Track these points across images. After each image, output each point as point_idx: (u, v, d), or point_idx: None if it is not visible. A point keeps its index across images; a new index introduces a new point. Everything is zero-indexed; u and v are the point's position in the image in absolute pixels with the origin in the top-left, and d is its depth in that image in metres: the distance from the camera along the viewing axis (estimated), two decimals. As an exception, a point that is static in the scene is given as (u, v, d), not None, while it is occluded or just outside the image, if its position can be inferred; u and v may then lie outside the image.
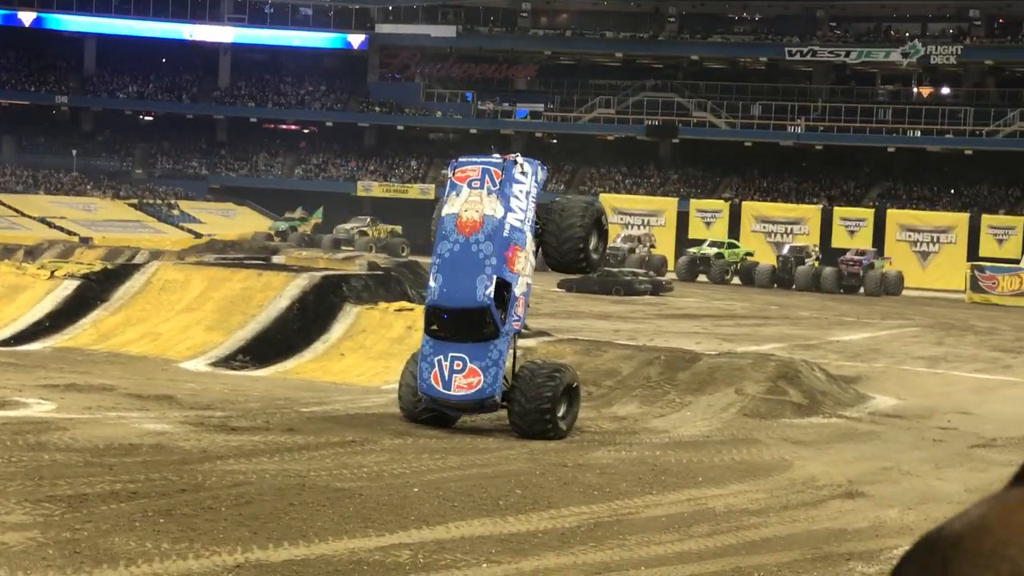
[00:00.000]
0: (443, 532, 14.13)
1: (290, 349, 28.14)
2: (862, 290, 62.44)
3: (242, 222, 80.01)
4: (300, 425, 20.27)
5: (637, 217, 77.78)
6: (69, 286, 31.54)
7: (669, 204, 78.94)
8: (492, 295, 20.43)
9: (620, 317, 44.08)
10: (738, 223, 75.89)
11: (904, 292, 63.21)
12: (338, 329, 28.75)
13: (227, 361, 27.78)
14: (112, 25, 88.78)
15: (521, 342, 22.85)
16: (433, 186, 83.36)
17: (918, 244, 72.78)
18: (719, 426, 22.27)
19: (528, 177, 21.01)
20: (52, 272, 32.84)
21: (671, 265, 68.86)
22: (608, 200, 79.24)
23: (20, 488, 14.85)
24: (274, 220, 78.89)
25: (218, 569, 12.46)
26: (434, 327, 20.78)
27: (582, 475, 17.58)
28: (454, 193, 20.94)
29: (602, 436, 20.89)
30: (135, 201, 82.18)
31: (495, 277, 20.45)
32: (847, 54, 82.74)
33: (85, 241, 62.21)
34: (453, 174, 21.20)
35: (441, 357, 20.53)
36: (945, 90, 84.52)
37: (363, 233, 72.83)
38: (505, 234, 20.59)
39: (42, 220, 73.84)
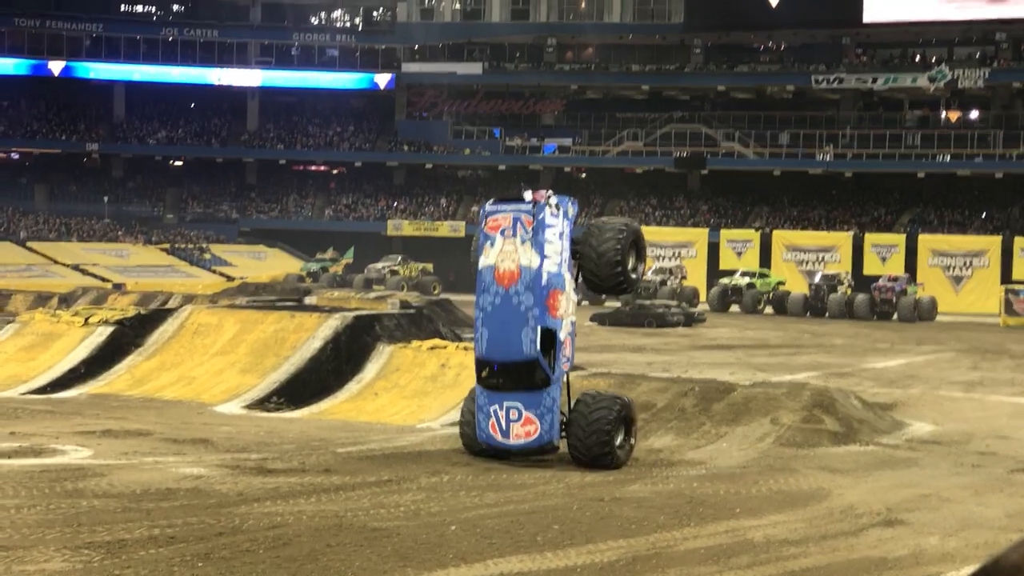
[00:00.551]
0: (481, 570, 14.09)
1: (324, 390, 28.16)
2: (895, 316, 62.22)
3: (273, 264, 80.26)
4: (336, 465, 20.26)
5: (668, 249, 77.72)
6: (103, 332, 31.65)
7: (700, 235, 78.88)
8: (539, 346, 20.61)
9: (653, 349, 44.00)
10: (769, 252, 75.79)
11: (938, 317, 62.97)
12: (371, 369, 28.75)
13: (262, 403, 27.82)
14: (140, 72, 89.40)
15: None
16: (463, 223, 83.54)
17: (951, 269, 72.54)
18: (755, 456, 22.18)
19: (559, 217, 20.91)
20: (86, 319, 32.96)
21: (703, 296, 68.80)
22: (638, 233, 79.21)
23: (59, 535, 14.88)
24: (305, 261, 79.12)
25: (257, 612, 12.44)
26: (486, 376, 21.03)
27: (619, 509, 17.52)
28: (488, 244, 20.94)
29: (638, 469, 20.84)
30: (167, 246, 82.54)
31: (539, 328, 20.57)
32: (874, 80, 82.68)
33: (118, 287, 62.42)
34: (485, 224, 21.10)
35: (496, 407, 20.87)
36: (974, 114, 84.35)
37: (394, 272, 73.01)
38: (544, 282, 20.59)
39: (75, 267, 74.21)
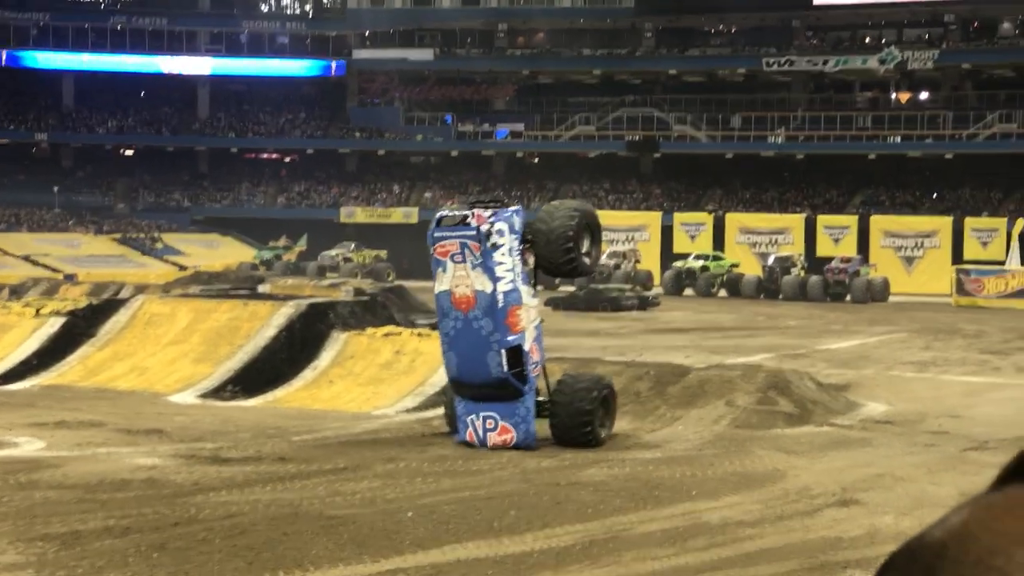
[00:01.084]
0: (438, 556, 14.08)
1: (279, 378, 28.09)
2: (849, 297, 62.48)
3: (226, 253, 79.93)
4: (291, 454, 20.22)
5: (621, 233, 77.76)
6: (55, 323, 31.47)
7: (653, 219, 78.99)
8: (507, 366, 20.71)
9: (608, 333, 44.07)
10: (722, 235, 75.97)
11: (891, 298, 63.28)
12: (326, 356, 28.69)
13: (216, 392, 27.72)
14: (89, 61, 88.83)
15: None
16: (416, 210, 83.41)
17: (903, 249, 72.90)
18: (711, 439, 22.25)
19: (507, 234, 20.74)
20: (38, 310, 32.75)
21: (657, 279, 68.92)
22: (592, 217, 79.29)
23: (13, 528, 14.79)
24: (258, 249, 78.83)
25: (214, 602, 12.40)
26: (460, 389, 21.33)
27: (576, 493, 17.55)
28: (440, 269, 20.89)
29: (595, 453, 20.87)
30: (118, 236, 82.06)
31: (504, 350, 20.61)
32: (824, 63, 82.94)
33: (70, 278, 62.06)
34: (433, 249, 20.97)
35: (473, 416, 21.09)
36: (923, 95, 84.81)
37: (348, 259, 72.85)
38: (501, 305, 20.60)
39: (25, 258, 73.69)
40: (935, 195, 78.88)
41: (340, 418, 24.70)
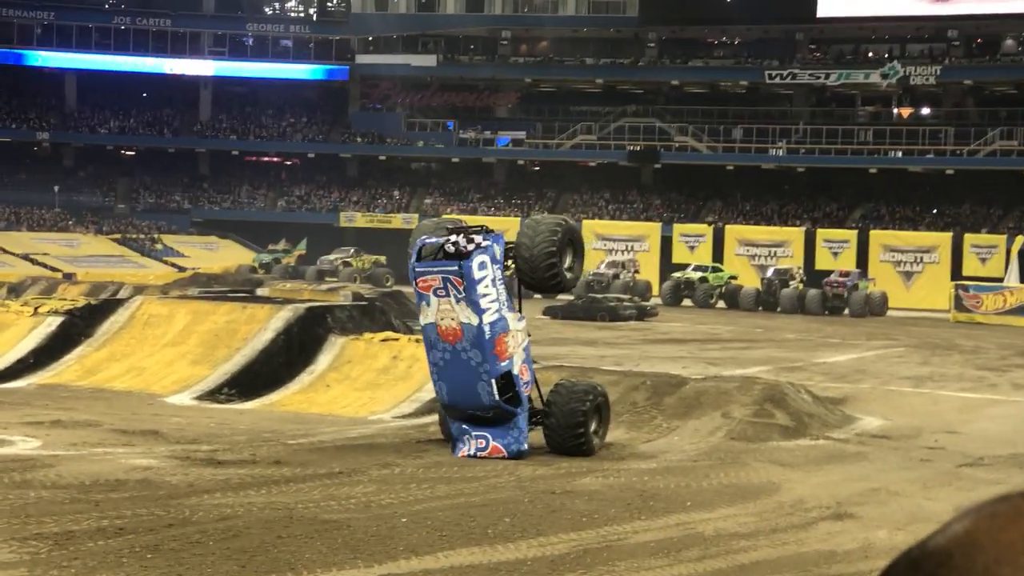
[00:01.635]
0: (432, 562, 14.08)
1: (276, 381, 28.09)
2: (847, 311, 62.50)
3: (225, 255, 79.94)
4: (287, 457, 20.21)
5: (621, 243, 77.84)
6: (53, 322, 31.46)
7: (652, 229, 79.00)
8: (497, 394, 20.68)
9: (606, 343, 44.08)
10: (722, 247, 75.98)
11: (889, 312, 63.31)
12: (323, 360, 28.69)
13: (212, 395, 27.72)
14: (92, 60, 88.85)
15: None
16: (416, 216, 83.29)
17: (902, 264, 72.92)
18: (707, 450, 22.24)
19: (489, 266, 20.53)
20: (36, 309, 32.76)
21: (656, 290, 68.93)
22: (591, 226, 79.37)
23: (6, 526, 14.78)
24: (258, 252, 78.85)
25: (206, 604, 12.40)
26: (453, 413, 21.31)
27: (570, 502, 17.54)
28: (424, 303, 20.76)
29: (590, 462, 20.87)
30: (118, 236, 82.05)
31: (494, 379, 20.59)
32: (827, 76, 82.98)
33: (68, 277, 62.08)
34: (416, 283, 20.85)
35: (467, 435, 21.03)
36: (925, 110, 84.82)
37: (347, 264, 72.88)
38: (488, 336, 20.46)
39: (25, 257, 73.69)
40: (935, 211, 78.89)
41: (336, 422, 24.70)
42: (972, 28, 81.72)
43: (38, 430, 22.20)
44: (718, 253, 75.14)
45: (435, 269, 20.48)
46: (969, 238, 72.84)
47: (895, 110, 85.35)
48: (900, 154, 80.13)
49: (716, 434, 23.41)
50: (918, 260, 72.89)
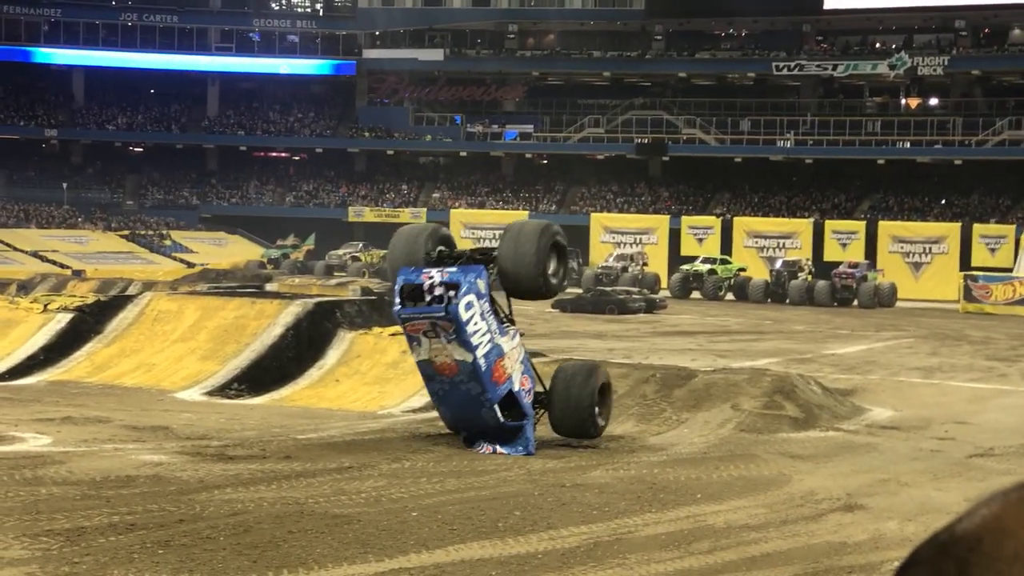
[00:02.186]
0: (443, 556, 14.09)
1: (285, 376, 28.11)
2: (856, 303, 62.44)
3: (234, 251, 79.98)
4: (297, 452, 20.23)
5: (629, 235, 77.83)
6: (63, 319, 31.50)
7: (661, 222, 78.97)
8: (501, 416, 20.63)
9: (615, 336, 44.06)
10: (730, 239, 75.94)
11: (898, 303, 63.24)
12: (333, 355, 28.70)
13: (222, 390, 27.75)
14: (100, 57, 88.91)
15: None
16: (425, 210, 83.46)
17: (910, 255, 72.85)
18: (716, 442, 22.24)
19: (475, 303, 20.20)
20: (45, 306, 32.80)
21: (664, 282, 68.89)
22: (600, 219, 79.42)
23: (18, 523, 14.81)
24: (266, 248, 78.90)
25: (218, 599, 12.42)
26: (459, 429, 21.38)
27: (580, 495, 17.55)
28: (415, 343, 20.49)
29: (600, 455, 20.87)
30: (127, 232, 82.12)
31: (496, 404, 20.53)
32: (834, 67, 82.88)
33: (78, 274, 62.13)
34: (405, 326, 20.50)
35: (477, 445, 21.03)
36: (933, 101, 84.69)
37: (355, 259, 72.91)
38: (484, 368, 20.30)
39: (34, 254, 73.78)
40: (944, 201, 78.77)
41: (346, 417, 24.72)
42: (979, 18, 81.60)
43: (49, 427, 22.24)
44: (726, 245, 75.09)
45: (421, 316, 20.09)
46: (978, 228, 72.75)
47: (903, 101, 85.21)
48: (908, 145, 80.00)
49: (726, 426, 23.41)
50: (927, 251, 72.82)
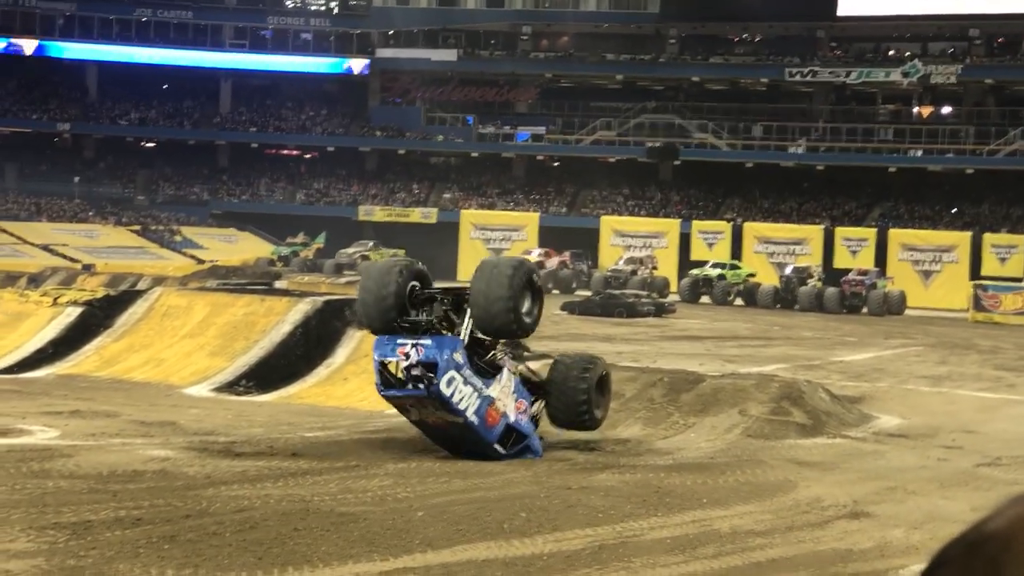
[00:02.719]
0: (448, 556, 14.10)
1: (293, 374, 28.13)
2: (865, 310, 62.40)
3: (244, 247, 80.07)
4: (304, 450, 20.25)
5: (639, 239, 77.83)
6: (72, 313, 31.56)
7: (671, 226, 78.97)
8: (504, 449, 20.56)
9: (623, 339, 44.05)
10: (740, 244, 75.93)
11: (907, 311, 63.19)
12: (341, 353, 28.71)
13: (230, 386, 27.77)
14: (113, 52, 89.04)
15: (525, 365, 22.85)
16: (435, 210, 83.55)
17: (920, 263, 72.80)
18: (723, 447, 22.23)
19: (456, 377, 19.83)
20: (55, 299, 32.85)
21: (674, 286, 68.89)
22: (610, 222, 79.41)
23: (24, 516, 14.84)
24: (276, 245, 78.97)
25: (223, 595, 12.44)
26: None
27: (586, 498, 17.55)
28: (404, 410, 20.52)
29: (606, 458, 20.87)
30: (137, 227, 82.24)
31: (495, 443, 20.48)
32: (847, 74, 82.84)
33: (88, 268, 62.26)
34: (390, 400, 20.43)
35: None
36: (946, 109, 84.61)
37: (365, 257, 72.93)
38: (477, 423, 20.09)
39: (44, 247, 73.88)
40: (955, 210, 78.70)
41: (353, 416, 24.74)
42: (994, 27, 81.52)
43: (56, 420, 22.28)
44: (736, 250, 75.08)
45: (404, 394, 19.90)
46: (988, 238, 72.69)
47: (915, 109, 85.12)
48: (920, 153, 79.96)
49: (733, 431, 23.39)
50: (937, 259, 72.77)
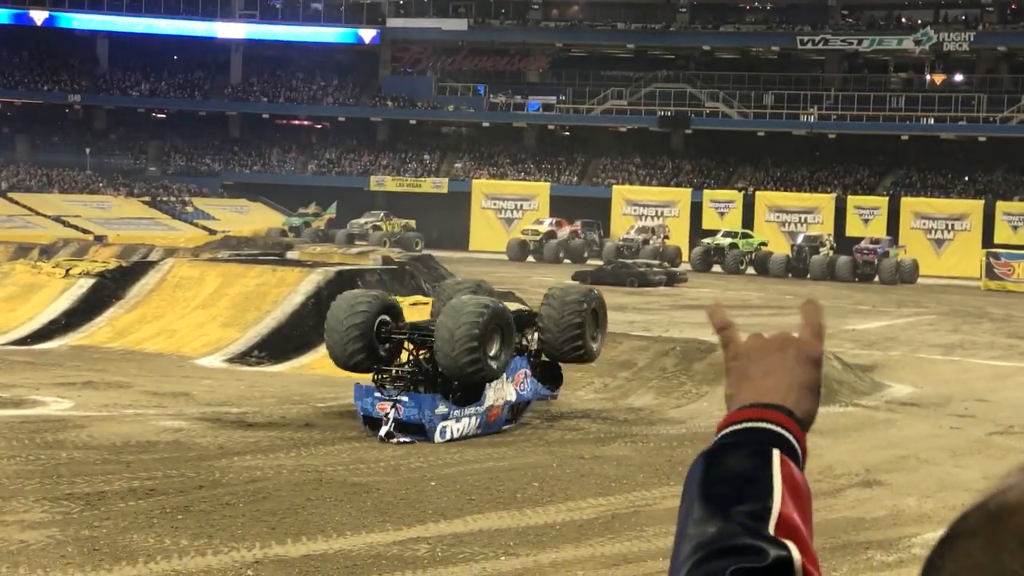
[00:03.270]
0: (461, 526, 14.13)
1: (305, 345, 28.15)
2: (877, 278, 62.33)
3: (256, 218, 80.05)
4: (316, 420, 20.29)
5: (651, 208, 77.74)
6: (84, 284, 31.61)
7: (683, 195, 78.86)
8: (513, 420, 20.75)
9: (635, 308, 44.04)
10: (752, 213, 75.80)
11: (919, 280, 63.10)
12: (353, 324, 28.70)
13: (243, 357, 27.82)
14: (124, 23, 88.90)
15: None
16: (447, 180, 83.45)
17: (933, 232, 72.66)
18: (735, 416, 22.23)
19: (448, 423, 19.64)
20: (67, 270, 32.91)
21: (685, 256, 68.82)
22: (621, 191, 79.32)
23: (39, 486, 14.89)
24: (288, 216, 78.94)
25: (237, 565, 12.48)
26: None
27: (599, 467, 17.57)
28: None
29: (619, 428, 20.89)
30: (148, 199, 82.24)
31: (503, 425, 20.59)
32: (859, 42, 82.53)
33: (99, 239, 62.22)
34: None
35: None
36: (958, 77, 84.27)
37: (377, 228, 72.96)
38: (481, 430, 20.06)
39: (56, 219, 73.93)
40: (967, 178, 78.46)
41: (366, 386, 24.74)
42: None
43: (70, 391, 22.33)
44: (748, 219, 74.95)
45: (404, 439, 19.40)
46: (1001, 206, 72.50)
47: (928, 76, 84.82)
48: (932, 121, 79.67)
49: (745, 400, 23.39)
50: (949, 227, 72.62)
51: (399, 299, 29.44)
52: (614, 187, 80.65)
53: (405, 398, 19.41)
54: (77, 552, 12.57)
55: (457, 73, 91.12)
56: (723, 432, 1.62)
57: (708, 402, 23.37)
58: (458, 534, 13.79)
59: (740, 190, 78.86)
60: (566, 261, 68.32)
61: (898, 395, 25.72)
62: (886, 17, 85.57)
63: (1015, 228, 70.93)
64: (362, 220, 74.32)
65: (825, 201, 75.98)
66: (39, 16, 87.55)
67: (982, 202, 73.13)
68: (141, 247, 49.22)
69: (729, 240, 68.11)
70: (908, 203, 74.15)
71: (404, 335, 20.59)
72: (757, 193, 77.82)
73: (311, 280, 30.28)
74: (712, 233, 70.75)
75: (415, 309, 28.69)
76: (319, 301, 29.40)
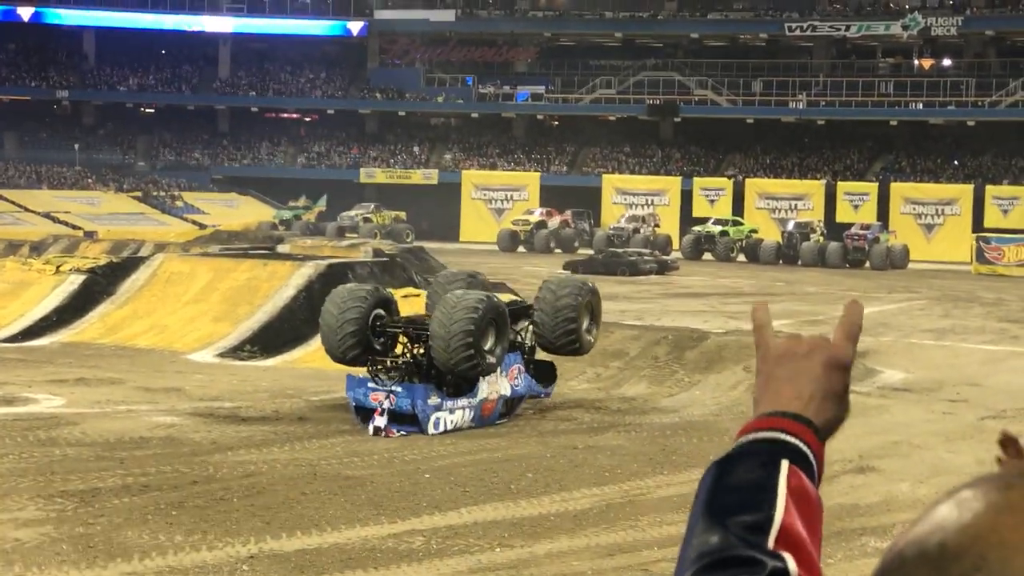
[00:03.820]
0: (455, 518, 14.14)
1: (297, 338, 28.15)
2: (868, 264, 62.39)
3: (246, 212, 79.91)
4: (309, 414, 20.29)
5: (641, 197, 77.74)
6: (75, 280, 31.57)
7: (672, 183, 78.85)
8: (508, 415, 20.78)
9: (626, 297, 44.04)
10: (742, 200, 75.82)
11: (910, 265, 63.16)
12: (345, 317, 28.70)
13: (235, 352, 27.81)
14: (111, 18, 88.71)
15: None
16: (436, 171, 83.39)
17: (923, 217, 72.71)
18: (728, 404, 22.26)
19: (442, 414, 19.72)
20: (58, 267, 32.86)
21: (676, 244, 68.86)
22: (611, 181, 79.34)
23: (32, 484, 14.88)
24: (278, 209, 78.85)
25: (232, 560, 12.48)
26: None
27: (593, 457, 17.59)
28: None
29: (612, 417, 20.90)
30: (138, 194, 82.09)
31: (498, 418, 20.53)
32: (847, 28, 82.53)
33: (89, 235, 62.13)
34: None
35: None
36: (946, 62, 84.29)
37: (367, 220, 72.91)
38: (478, 423, 20.09)
39: (46, 215, 73.80)
40: (956, 162, 78.52)
41: (358, 379, 24.73)
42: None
43: (62, 388, 22.31)
44: (738, 207, 74.98)
45: (401, 431, 19.48)
46: (991, 190, 72.56)
47: (916, 61, 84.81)
48: (921, 106, 79.68)
49: (737, 388, 23.42)
50: (939, 212, 72.68)
51: (390, 290, 29.49)
52: (604, 176, 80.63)
53: (398, 388, 19.40)
54: (72, 549, 12.56)
55: (445, 64, 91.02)
56: (739, 441, 1.64)
57: (700, 390, 23.40)
58: (453, 526, 13.80)
59: (730, 177, 78.88)
60: (557, 251, 68.31)
61: (890, 381, 25.75)
62: (873, 3, 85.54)
63: (1005, 212, 70.99)
64: (352, 212, 74.25)
65: (815, 187, 76.02)
66: (26, 12, 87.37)
67: (972, 186, 73.19)
68: (131, 242, 49.18)
69: (720, 228, 68.16)
70: (898, 188, 74.20)
71: (399, 329, 20.58)
72: (747, 180, 77.84)
73: (302, 273, 30.27)
74: (702, 221, 70.78)
75: (407, 301, 28.70)
76: (310, 294, 29.39)
